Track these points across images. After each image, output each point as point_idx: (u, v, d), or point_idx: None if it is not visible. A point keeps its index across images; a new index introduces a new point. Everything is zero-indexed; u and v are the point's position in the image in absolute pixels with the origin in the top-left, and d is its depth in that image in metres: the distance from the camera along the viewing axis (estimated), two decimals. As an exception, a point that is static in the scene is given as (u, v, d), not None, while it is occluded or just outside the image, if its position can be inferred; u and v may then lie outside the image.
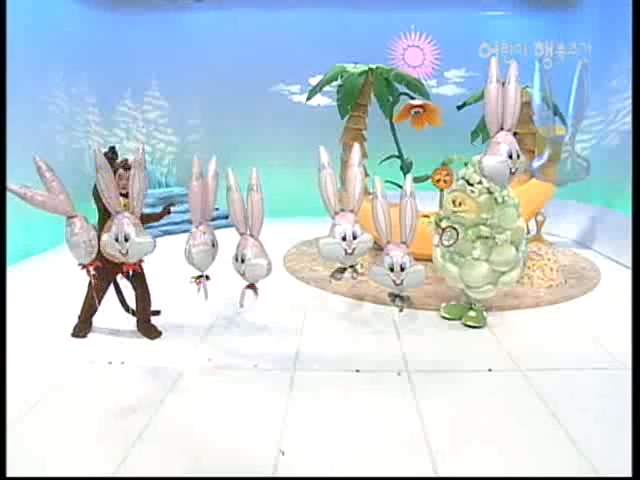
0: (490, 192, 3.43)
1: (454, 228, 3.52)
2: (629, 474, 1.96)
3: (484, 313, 3.84)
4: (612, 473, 2.16)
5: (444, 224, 3.64)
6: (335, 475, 2.18)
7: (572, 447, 2.35)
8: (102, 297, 3.57)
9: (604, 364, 3.21)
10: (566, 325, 3.92)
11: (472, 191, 3.42)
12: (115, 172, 3.15)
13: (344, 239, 2.98)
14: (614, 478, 2.15)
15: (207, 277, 3.14)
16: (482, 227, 3.52)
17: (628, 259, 5.19)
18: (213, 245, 3.04)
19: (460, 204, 3.47)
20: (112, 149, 3.36)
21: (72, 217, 2.93)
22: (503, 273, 3.66)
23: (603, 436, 2.42)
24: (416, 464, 2.24)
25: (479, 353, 3.39)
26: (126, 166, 3.20)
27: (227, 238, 3.38)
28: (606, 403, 2.74)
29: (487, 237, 3.55)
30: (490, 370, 3.11)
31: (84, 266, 3.12)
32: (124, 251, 2.90)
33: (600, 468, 2.19)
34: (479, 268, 3.60)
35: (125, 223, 2.89)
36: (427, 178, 5.17)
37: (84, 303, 3.60)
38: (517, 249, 3.64)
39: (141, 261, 3.20)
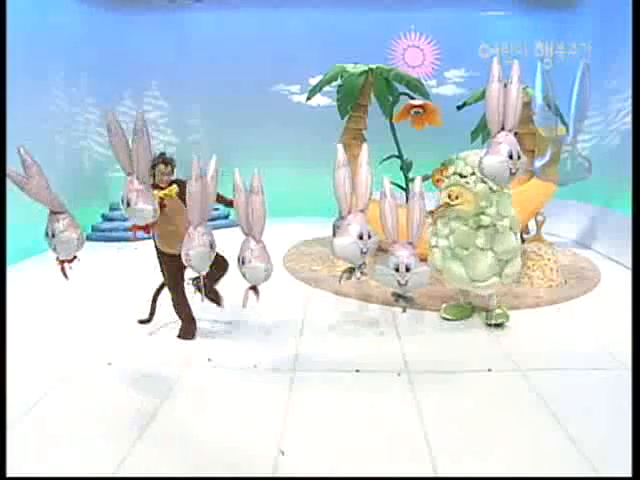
0: (484, 181, 3.42)
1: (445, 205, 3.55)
2: (629, 474, 1.96)
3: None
4: (612, 473, 2.17)
5: (440, 222, 3.68)
6: (335, 475, 2.18)
7: (572, 447, 2.34)
8: (182, 287, 3.58)
9: (604, 364, 3.21)
10: (566, 325, 3.92)
11: (467, 182, 3.43)
12: (154, 167, 3.28)
13: (361, 238, 2.99)
14: (614, 478, 2.15)
15: (205, 277, 3.11)
16: (482, 216, 3.50)
17: (628, 259, 5.19)
18: (211, 247, 2.99)
19: (457, 197, 3.47)
20: (162, 155, 3.42)
21: (60, 212, 2.88)
22: (506, 262, 3.62)
23: (603, 436, 2.43)
24: (416, 464, 2.24)
25: (479, 353, 3.39)
26: (165, 161, 3.34)
27: (227, 238, 3.39)
28: (606, 403, 2.75)
29: (488, 226, 3.53)
30: (490, 370, 3.11)
31: (62, 262, 3.06)
32: (125, 215, 2.88)
33: (600, 468, 2.19)
34: (484, 259, 3.56)
35: (130, 188, 2.81)
36: (427, 178, 5.17)
37: (175, 305, 3.63)
38: (515, 236, 3.63)
39: (151, 225, 3.09)
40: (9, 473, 2.04)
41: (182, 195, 3.51)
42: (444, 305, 4.02)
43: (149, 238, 3.42)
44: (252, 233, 3.00)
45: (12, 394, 2.69)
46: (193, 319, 3.69)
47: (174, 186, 3.40)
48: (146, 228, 3.03)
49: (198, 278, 3.10)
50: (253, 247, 2.96)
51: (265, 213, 2.96)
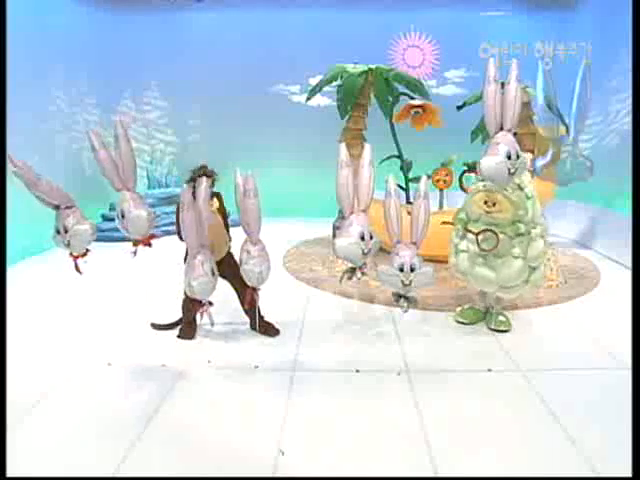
0: (521, 188, 3.35)
1: (491, 231, 3.40)
2: (629, 474, 1.96)
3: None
4: (612, 473, 2.17)
5: (473, 227, 3.52)
6: (335, 475, 2.18)
7: (572, 447, 2.35)
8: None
9: (604, 364, 3.21)
10: (566, 325, 3.92)
11: (505, 189, 3.31)
12: (194, 180, 3.20)
13: (362, 238, 2.98)
14: (614, 478, 2.15)
15: (210, 303, 3.06)
16: (520, 224, 3.42)
17: (628, 259, 5.19)
18: (213, 274, 2.94)
19: (494, 204, 3.35)
20: (204, 167, 3.34)
21: (69, 207, 2.86)
22: (534, 269, 3.57)
23: (603, 436, 2.43)
24: (416, 464, 2.24)
25: (479, 353, 3.39)
26: (207, 174, 3.22)
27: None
28: (606, 403, 2.74)
29: (523, 234, 3.46)
30: (490, 370, 3.11)
31: (75, 257, 3.03)
32: (125, 229, 2.83)
33: (600, 468, 2.19)
34: (515, 265, 3.48)
35: (122, 199, 2.79)
36: (427, 178, 5.18)
37: (184, 306, 3.58)
38: (544, 243, 3.58)
39: (152, 237, 3.02)
40: (9, 473, 2.05)
41: (221, 208, 3.51)
42: (459, 308, 3.98)
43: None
44: (249, 235, 2.99)
45: (12, 394, 2.69)
46: (195, 323, 3.68)
47: (215, 200, 3.38)
48: (148, 241, 2.98)
49: (203, 305, 3.06)
50: (250, 249, 2.96)
51: (260, 215, 2.93)
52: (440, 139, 6.44)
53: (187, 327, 3.66)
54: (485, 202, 3.38)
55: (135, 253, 2.98)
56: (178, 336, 3.63)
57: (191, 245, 2.90)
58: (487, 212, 3.39)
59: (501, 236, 3.41)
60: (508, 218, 3.39)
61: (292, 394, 2.85)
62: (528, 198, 3.41)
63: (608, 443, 2.37)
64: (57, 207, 2.78)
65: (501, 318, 3.79)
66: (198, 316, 3.17)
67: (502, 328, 3.73)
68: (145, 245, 2.98)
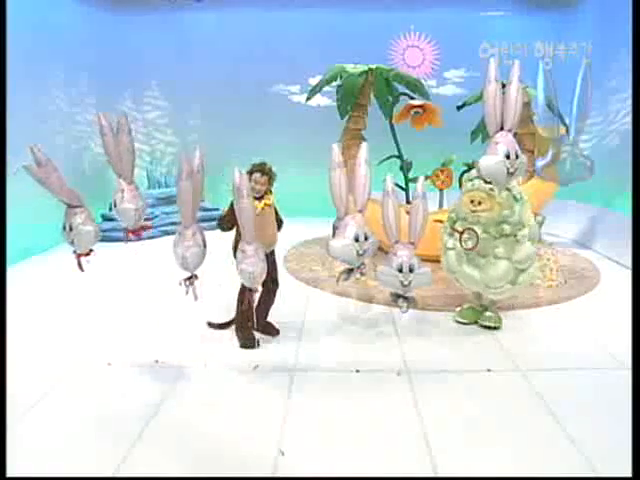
0: (508, 189, 3.37)
1: (473, 230, 3.44)
2: (629, 474, 1.96)
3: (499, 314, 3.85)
4: (612, 473, 2.17)
5: (459, 226, 3.55)
6: (335, 475, 2.18)
7: (572, 447, 2.35)
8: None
9: (604, 364, 3.21)
10: (566, 325, 3.92)
11: (492, 189, 3.33)
12: (251, 175, 3.20)
13: (357, 240, 2.97)
14: (614, 478, 2.15)
15: (196, 276, 3.04)
16: (504, 225, 3.44)
17: (628, 259, 5.19)
18: (204, 245, 2.96)
19: (480, 203, 3.39)
20: (261, 164, 3.33)
21: (78, 207, 2.89)
22: (522, 271, 3.59)
23: (603, 436, 2.43)
24: (416, 464, 2.24)
25: (479, 353, 3.39)
26: (263, 171, 3.26)
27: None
28: (606, 403, 2.74)
29: (508, 235, 3.48)
30: (489, 370, 3.11)
31: (79, 255, 3.05)
32: (118, 218, 2.90)
33: (600, 468, 2.19)
34: (500, 266, 3.51)
35: (116, 189, 2.83)
36: (426, 178, 5.18)
37: (237, 309, 3.49)
38: (532, 245, 3.59)
39: (143, 228, 3.05)
40: (9, 473, 2.05)
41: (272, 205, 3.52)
42: (458, 308, 3.99)
43: (150, 238, 3.40)
44: (244, 234, 2.96)
45: (12, 394, 2.69)
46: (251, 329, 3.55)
47: (272, 195, 3.44)
48: (139, 232, 3.00)
49: (190, 277, 3.06)
50: (245, 248, 2.94)
51: (253, 215, 2.91)
52: (440, 139, 6.44)
53: (246, 333, 3.51)
54: (471, 201, 3.43)
55: (126, 240, 3.02)
56: (241, 346, 3.49)
57: (185, 215, 2.89)
58: (472, 211, 3.43)
59: (482, 235, 3.44)
60: (494, 217, 3.42)
61: (292, 394, 2.85)
62: (516, 200, 3.43)
63: (608, 443, 2.37)
64: (67, 204, 2.82)
65: (488, 314, 3.80)
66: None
67: (488, 324, 3.74)
68: (134, 235, 3.01)
